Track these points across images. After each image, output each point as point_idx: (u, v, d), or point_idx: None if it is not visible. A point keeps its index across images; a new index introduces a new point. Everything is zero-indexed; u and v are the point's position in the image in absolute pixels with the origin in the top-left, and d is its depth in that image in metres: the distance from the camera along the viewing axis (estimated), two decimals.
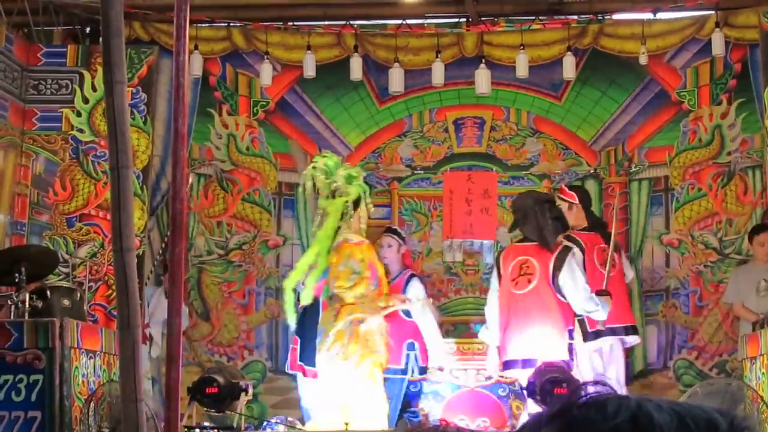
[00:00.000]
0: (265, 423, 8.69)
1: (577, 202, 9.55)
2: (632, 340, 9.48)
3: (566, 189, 9.82)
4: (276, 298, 10.96)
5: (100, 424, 7.69)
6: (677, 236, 10.75)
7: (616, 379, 8.92)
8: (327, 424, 8.08)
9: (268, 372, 10.88)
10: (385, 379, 8.58)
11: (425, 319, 9.27)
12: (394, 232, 9.93)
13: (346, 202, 8.34)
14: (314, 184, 8.40)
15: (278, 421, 8.66)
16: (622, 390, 8.56)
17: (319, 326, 8.37)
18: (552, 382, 8.04)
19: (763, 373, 8.06)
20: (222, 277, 10.90)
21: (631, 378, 10.58)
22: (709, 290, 10.62)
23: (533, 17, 11.07)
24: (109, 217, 8.13)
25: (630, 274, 9.86)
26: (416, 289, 9.39)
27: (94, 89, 10.37)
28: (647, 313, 10.75)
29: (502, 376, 9.05)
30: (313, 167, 8.53)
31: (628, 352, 10.52)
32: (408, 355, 9.27)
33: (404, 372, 9.22)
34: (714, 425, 1.17)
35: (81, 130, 10.43)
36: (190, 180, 10.03)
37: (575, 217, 9.44)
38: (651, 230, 10.88)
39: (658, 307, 10.76)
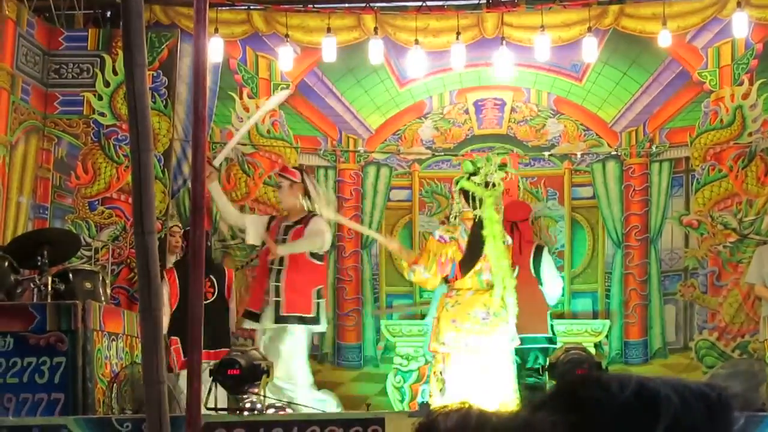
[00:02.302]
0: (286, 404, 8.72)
1: (299, 180, 9.50)
2: None
3: (288, 167, 9.97)
4: None
5: (123, 405, 7.74)
6: (697, 217, 10.73)
7: None
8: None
9: None
10: None
11: None
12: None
13: (498, 196, 8.58)
14: (476, 170, 8.54)
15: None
16: None
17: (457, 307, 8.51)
18: (573, 363, 8.07)
19: None
20: (245, 261, 10.91)
21: (649, 357, 10.62)
22: (727, 270, 10.61)
23: None
24: (130, 200, 8.18)
25: None
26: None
27: (115, 73, 10.40)
28: (665, 292, 10.76)
29: None
30: (489, 158, 8.68)
31: (646, 330, 10.60)
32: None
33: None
34: (705, 396, 1.26)
35: (102, 114, 10.47)
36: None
37: (295, 195, 9.38)
38: (671, 211, 10.86)
39: (677, 286, 10.77)
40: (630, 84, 11.00)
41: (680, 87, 10.89)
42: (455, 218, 8.56)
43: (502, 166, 8.53)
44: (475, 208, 8.38)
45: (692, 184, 10.80)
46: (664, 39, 10.41)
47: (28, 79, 10.12)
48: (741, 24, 10.21)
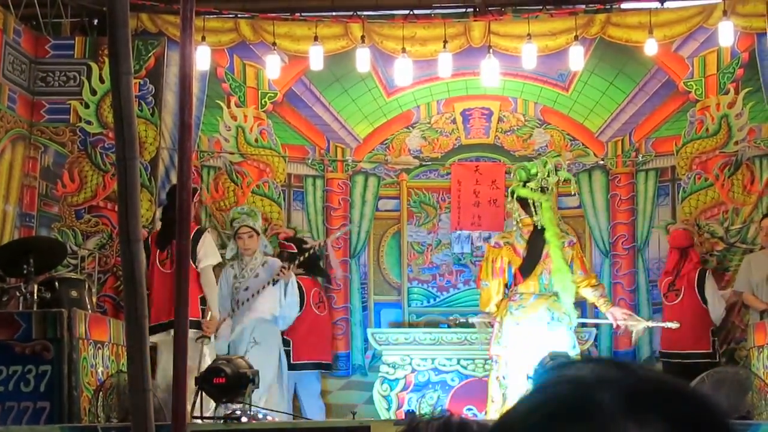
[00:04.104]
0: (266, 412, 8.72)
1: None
2: None
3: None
4: None
5: (109, 414, 7.72)
6: (683, 226, 10.75)
7: None
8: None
9: None
10: None
11: None
12: None
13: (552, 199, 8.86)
14: (531, 177, 8.70)
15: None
16: None
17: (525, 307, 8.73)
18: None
19: None
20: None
21: None
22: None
23: (540, 7, 11.07)
24: (117, 208, 8.17)
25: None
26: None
27: (101, 81, 10.40)
28: (653, 302, 10.77)
29: None
30: (544, 162, 8.84)
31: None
32: None
33: None
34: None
35: (89, 122, 10.46)
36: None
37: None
38: (658, 220, 10.89)
39: None
40: (616, 93, 11.03)
41: (666, 96, 10.92)
42: (516, 224, 8.76)
43: (557, 169, 8.71)
44: (532, 215, 8.54)
45: (678, 193, 10.82)
46: (651, 48, 10.44)
47: (15, 87, 10.11)
48: (727, 33, 10.25)
